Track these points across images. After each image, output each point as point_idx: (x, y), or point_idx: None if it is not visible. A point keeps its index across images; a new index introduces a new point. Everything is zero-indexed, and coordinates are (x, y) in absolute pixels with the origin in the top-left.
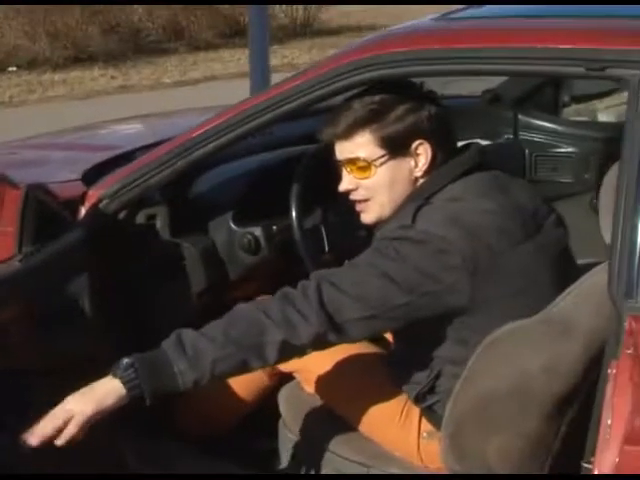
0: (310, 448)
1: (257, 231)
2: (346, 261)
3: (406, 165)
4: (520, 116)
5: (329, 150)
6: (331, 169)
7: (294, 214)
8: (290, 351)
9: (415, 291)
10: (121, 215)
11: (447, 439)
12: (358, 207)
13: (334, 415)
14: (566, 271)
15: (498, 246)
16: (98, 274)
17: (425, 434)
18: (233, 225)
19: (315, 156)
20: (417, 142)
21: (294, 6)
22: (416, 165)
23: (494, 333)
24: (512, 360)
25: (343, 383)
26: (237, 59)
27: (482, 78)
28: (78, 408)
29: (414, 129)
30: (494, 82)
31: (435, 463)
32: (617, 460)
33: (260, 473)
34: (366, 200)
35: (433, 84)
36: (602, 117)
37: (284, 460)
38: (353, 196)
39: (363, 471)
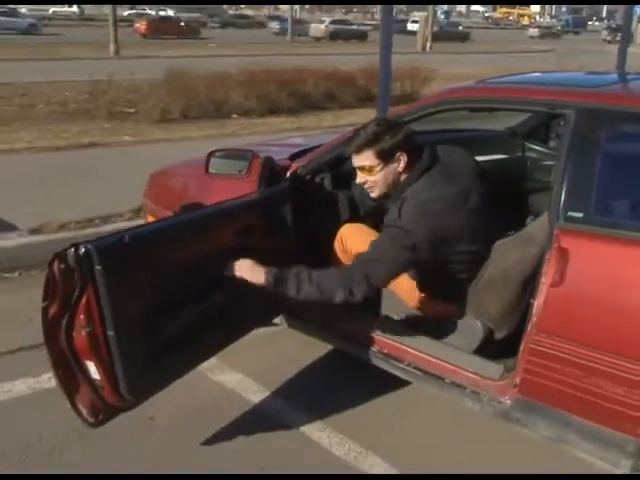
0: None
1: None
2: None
3: (393, 167)
4: (526, 143)
5: None
6: None
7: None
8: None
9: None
10: (307, 177)
11: (472, 300)
12: (368, 189)
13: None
14: (493, 215)
15: (450, 217)
16: (295, 205)
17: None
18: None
19: None
20: (398, 153)
21: (403, 83)
22: (399, 166)
23: (495, 245)
24: (501, 259)
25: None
26: (366, 114)
27: (506, 120)
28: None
29: (395, 147)
30: (513, 123)
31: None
32: (545, 296)
33: None
34: (371, 187)
35: (482, 122)
36: None
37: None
38: (364, 185)
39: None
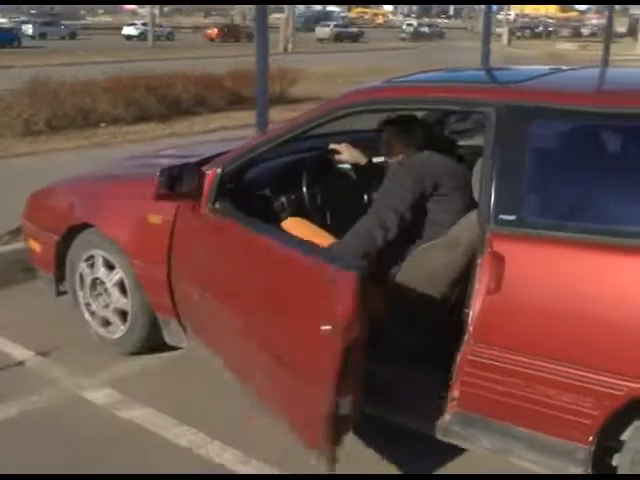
0: None
1: (283, 198)
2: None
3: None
4: None
5: (322, 157)
6: (324, 167)
7: (304, 189)
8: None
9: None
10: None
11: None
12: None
13: None
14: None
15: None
16: None
17: None
18: (269, 194)
19: (314, 160)
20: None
21: (272, 84)
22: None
23: (420, 247)
24: (428, 261)
25: None
26: (238, 117)
27: None
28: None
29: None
30: None
31: None
32: (481, 304)
33: None
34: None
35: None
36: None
37: None
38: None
39: None
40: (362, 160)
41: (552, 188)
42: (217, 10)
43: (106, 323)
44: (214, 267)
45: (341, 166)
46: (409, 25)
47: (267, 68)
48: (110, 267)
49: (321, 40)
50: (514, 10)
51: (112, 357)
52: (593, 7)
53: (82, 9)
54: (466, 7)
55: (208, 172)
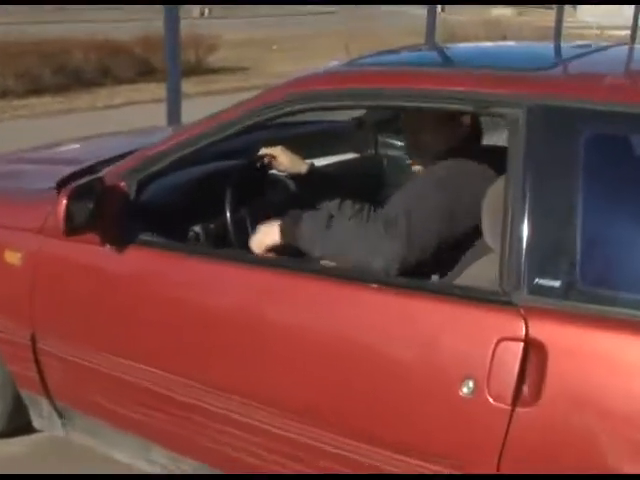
0: None
1: (197, 228)
2: None
3: None
4: (379, 137)
5: (251, 167)
6: (254, 180)
7: (228, 214)
8: None
9: None
10: None
11: None
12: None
13: None
14: None
15: None
16: None
17: None
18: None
19: (241, 171)
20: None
21: (186, 53)
22: None
23: None
24: None
25: None
26: (148, 90)
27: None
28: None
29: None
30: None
31: None
32: (504, 422)
33: None
34: None
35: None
36: None
37: None
38: None
39: None
40: (303, 167)
41: (622, 238)
42: None
43: None
44: (161, 322)
45: (275, 173)
46: None
47: (178, 31)
48: None
49: None
50: None
51: None
52: None
53: None
54: None
55: (114, 186)
